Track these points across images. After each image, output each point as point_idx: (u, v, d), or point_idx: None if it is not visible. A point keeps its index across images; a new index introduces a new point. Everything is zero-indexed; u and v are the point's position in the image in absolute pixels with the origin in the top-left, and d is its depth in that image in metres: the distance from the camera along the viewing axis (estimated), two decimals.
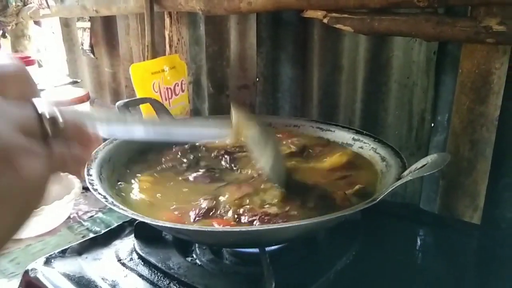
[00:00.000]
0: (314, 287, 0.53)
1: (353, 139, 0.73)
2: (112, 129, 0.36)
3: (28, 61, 1.40)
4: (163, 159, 0.67)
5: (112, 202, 0.48)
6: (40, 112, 0.28)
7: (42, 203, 0.27)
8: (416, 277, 0.60)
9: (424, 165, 0.50)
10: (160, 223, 0.47)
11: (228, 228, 0.49)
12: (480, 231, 0.69)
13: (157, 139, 0.40)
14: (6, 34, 1.66)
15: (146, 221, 0.47)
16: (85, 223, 0.93)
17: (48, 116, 0.28)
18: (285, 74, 1.00)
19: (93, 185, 0.52)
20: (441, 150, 0.78)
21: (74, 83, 1.49)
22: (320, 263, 0.58)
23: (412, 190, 0.84)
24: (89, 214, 0.96)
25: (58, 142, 0.28)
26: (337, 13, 0.74)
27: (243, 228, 0.48)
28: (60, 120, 0.28)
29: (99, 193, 0.50)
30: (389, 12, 0.70)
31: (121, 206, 0.48)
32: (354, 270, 0.58)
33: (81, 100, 1.24)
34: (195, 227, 0.50)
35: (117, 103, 0.72)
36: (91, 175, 0.55)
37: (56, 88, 1.36)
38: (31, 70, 1.44)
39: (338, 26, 0.75)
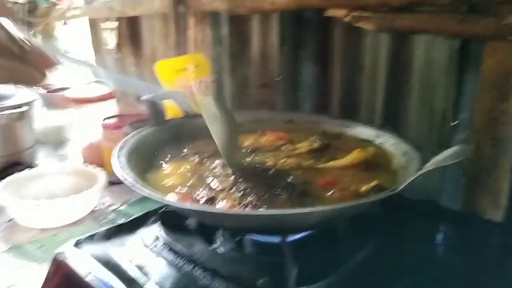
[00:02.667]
0: (334, 277, 0.54)
1: (375, 136, 0.74)
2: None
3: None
4: (186, 149, 0.69)
5: (140, 187, 0.51)
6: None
7: None
8: (436, 273, 0.60)
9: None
10: (179, 204, 0.50)
11: (250, 212, 0.50)
12: (502, 229, 0.69)
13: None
14: (35, 35, 1.72)
15: (169, 203, 0.49)
16: (110, 216, 0.96)
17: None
18: (306, 73, 1.01)
19: (122, 172, 0.54)
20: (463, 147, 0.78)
21: (99, 81, 1.54)
22: (340, 254, 0.59)
23: (434, 188, 0.83)
24: (113, 207, 0.99)
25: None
26: (359, 12, 0.75)
27: (265, 212, 0.50)
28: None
29: (127, 180, 0.52)
30: (410, 10, 0.71)
31: (150, 189, 0.50)
32: (373, 262, 0.58)
33: (105, 98, 1.29)
34: (212, 208, 0.52)
35: (142, 98, 0.75)
36: (120, 163, 0.57)
37: (82, 86, 1.42)
38: (58, 69, 1.49)
39: (359, 24, 0.76)
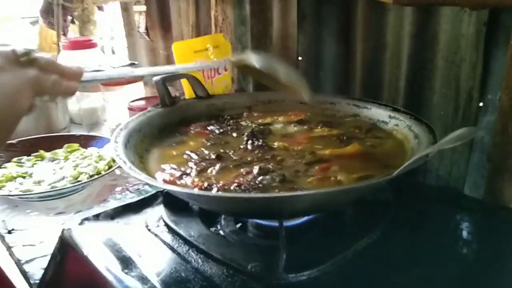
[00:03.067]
0: (329, 264, 0.52)
1: (389, 116, 0.70)
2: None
3: (90, 44, 1.50)
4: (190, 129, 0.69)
5: (130, 166, 0.51)
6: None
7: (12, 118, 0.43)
8: (448, 265, 0.56)
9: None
10: (161, 185, 0.49)
11: (225, 194, 0.49)
12: None
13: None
14: (74, 20, 1.77)
15: (151, 183, 0.49)
16: (131, 194, 0.98)
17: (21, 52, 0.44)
18: (328, 52, 0.97)
19: (116, 151, 0.55)
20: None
21: (132, 65, 1.57)
22: (340, 241, 0.57)
23: (457, 175, 0.78)
24: (136, 187, 1.01)
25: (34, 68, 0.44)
26: None
27: (253, 195, 0.48)
28: (33, 54, 0.43)
29: (120, 158, 0.52)
30: None
31: (136, 170, 0.50)
32: (376, 251, 0.55)
33: (134, 80, 1.31)
34: (199, 191, 0.51)
35: (154, 78, 0.75)
36: (117, 142, 0.58)
37: (114, 69, 1.45)
38: (93, 53, 1.54)
39: None
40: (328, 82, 0.99)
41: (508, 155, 0.64)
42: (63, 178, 0.85)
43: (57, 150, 0.99)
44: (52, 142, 1.02)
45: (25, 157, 0.96)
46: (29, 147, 0.99)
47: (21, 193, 0.82)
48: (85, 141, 1.04)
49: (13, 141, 0.99)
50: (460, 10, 0.71)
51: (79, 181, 0.85)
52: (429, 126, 0.60)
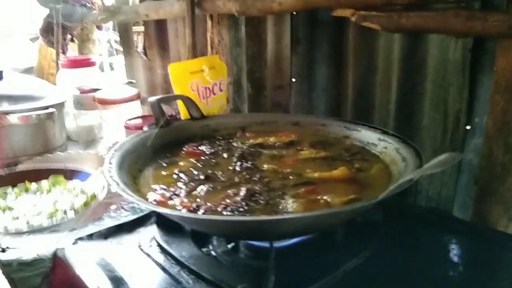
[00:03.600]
0: (318, 285, 0.53)
1: (379, 139, 0.71)
2: None
3: (88, 63, 1.52)
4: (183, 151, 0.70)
5: (123, 188, 0.52)
6: None
7: None
8: (436, 286, 0.57)
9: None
10: (154, 207, 0.50)
11: (212, 217, 0.50)
12: None
13: None
14: (74, 39, 1.81)
15: (142, 205, 0.50)
16: (126, 213, 0.99)
17: None
18: (321, 74, 0.99)
19: (109, 172, 0.56)
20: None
21: (130, 83, 1.59)
22: (330, 262, 0.57)
23: (446, 196, 0.79)
24: (131, 205, 1.02)
25: None
26: (365, 11, 0.72)
27: (240, 218, 0.49)
28: None
29: (113, 180, 0.53)
30: (418, 8, 0.67)
31: (129, 192, 0.51)
32: (365, 272, 0.56)
33: (131, 99, 1.33)
34: (187, 213, 0.52)
35: (149, 99, 0.77)
36: (111, 164, 0.59)
37: (112, 88, 1.47)
38: (92, 71, 1.56)
39: (365, 24, 0.74)
40: (320, 103, 1.01)
41: (494, 178, 0.66)
42: (39, 213, 0.85)
43: (42, 181, 0.98)
44: (38, 174, 1.02)
45: (10, 189, 0.96)
46: (16, 178, 0.99)
47: None
48: (70, 174, 1.04)
49: (2, 173, 1.01)
50: (446, 37, 0.73)
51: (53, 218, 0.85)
52: (416, 149, 0.61)
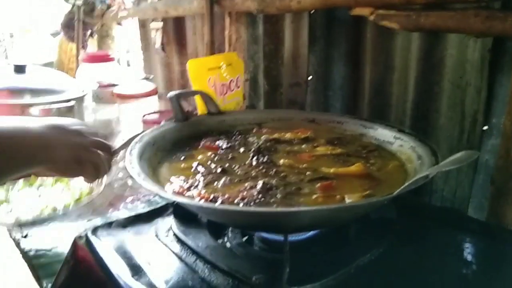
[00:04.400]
0: (332, 278, 0.53)
1: (394, 137, 0.72)
2: None
3: (107, 58, 1.55)
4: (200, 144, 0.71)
5: (144, 178, 0.53)
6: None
7: None
8: (449, 285, 0.57)
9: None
10: (170, 196, 0.52)
11: (228, 207, 0.51)
12: None
13: None
14: (94, 34, 1.84)
15: (162, 195, 0.52)
16: (142, 204, 1.01)
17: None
18: (337, 73, 1.00)
19: (130, 163, 0.57)
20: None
21: (147, 79, 1.62)
22: (344, 256, 0.58)
23: (462, 196, 0.79)
24: (146, 198, 1.04)
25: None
26: (384, 10, 0.73)
27: (258, 209, 0.50)
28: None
29: (134, 170, 0.55)
30: (437, 7, 0.68)
31: (150, 182, 0.53)
32: (377, 268, 0.56)
33: (149, 94, 1.35)
34: (203, 203, 0.53)
35: (169, 94, 0.78)
36: (132, 155, 0.60)
37: (130, 83, 1.49)
38: (110, 66, 1.59)
39: (384, 23, 0.74)
40: (336, 101, 1.01)
41: (510, 179, 0.66)
42: (30, 209, 0.87)
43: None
44: None
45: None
46: None
47: None
48: None
49: None
50: (465, 36, 0.73)
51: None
52: (432, 148, 0.62)
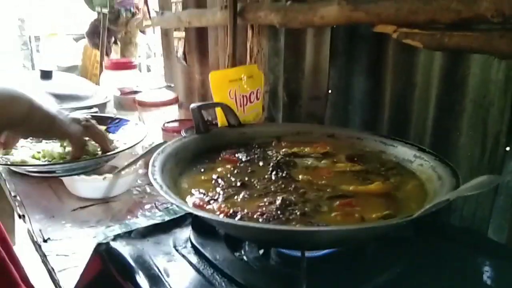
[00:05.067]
0: None
1: (415, 155, 0.71)
2: None
3: (130, 66, 1.58)
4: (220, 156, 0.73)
5: (166, 190, 0.55)
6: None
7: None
8: None
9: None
10: (192, 210, 0.53)
11: (261, 225, 0.52)
12: None
13: None
14: (117, 41, 1.88)
15: (183, 207, 0.53)
16: (160, 212, 1.02)
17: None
18: (358, 88, 1.00)
19: (153, 175, 0.59)
20: None
21: (168, 87, 1.64)
22: (360, 275, 0.58)
23: (481, 217, 0.78)
24: (164, 205, 1.06)
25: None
26: (407, 28, 0.73)
27: (276, 227, 0.51)
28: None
29: (157, 182, 0.56)
30: (461, 28, 0.67)
31: (172, 195, 0.54)
32: (394, 287, 0.57)
33: (170, 103, 1.37)
34: (225, 219, 0.54)
35: (191, 106, 0.79)
36: (155, 166, 0.62)
37: (151, 91, 1.52)
38: (133, 73, 1.62)
39: (407, 41, 0.74)
40: (356, 116, 1.01)
41: None
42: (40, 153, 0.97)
43: None
44: None
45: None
46: None
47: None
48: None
49: None
50: (489, 56, 0.73)
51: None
52: (453, 169, 0.61)
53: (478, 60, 0.76)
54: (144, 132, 1.08)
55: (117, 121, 1.17)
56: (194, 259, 0.62)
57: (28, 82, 1.27)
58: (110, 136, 1.09)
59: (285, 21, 0.95)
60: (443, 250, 0.66)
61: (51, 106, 0.82)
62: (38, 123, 0.78)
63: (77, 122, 0.88)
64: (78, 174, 0.97)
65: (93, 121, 0.92)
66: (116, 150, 1.00)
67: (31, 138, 1.01)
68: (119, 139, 1.08)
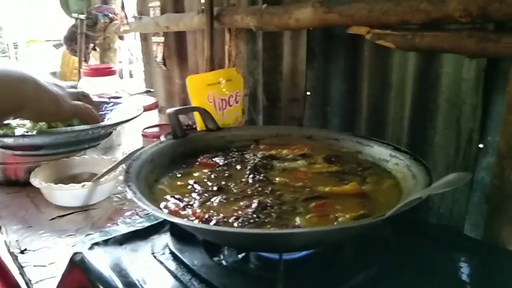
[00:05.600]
0: None
1: (390, 155, 0.72)
2: None
3: (109, 72, 1.57)
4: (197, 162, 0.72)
5: (140, 197, 0.54)
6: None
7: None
8: None
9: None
10: (165, 216, 0.52)
11: (236, 229, 0.52)
12: None
13: None
14: (96, 47, 1.86)
15: (157, 214, 0.52)
16: (140, 219, 1.01)
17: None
18: (335, 88, 1.01)
19: (127, 181, 0.58)
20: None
21: (148, 92, 1.63)
22: (338, 275, 0.58)
23: (458, 213, 0.79)
24: (145, 212, 1.05)
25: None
26: (380, 30, 0.74)
27: (250, 230, 0.51)
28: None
29: (130, 189, 0.56)
30: (432, 28, 0.69)
31: (146, 202, 0.53)
32: (372, 287, 0.57)
33: (149, 108, 1.36)
34: (199, 224, 0.54)
35: (167, 110, 0.79)
36: (129, 173, 0.61)
37: (131, 96, 1.51)
38: (112, 80, 1.60)
39: (380, 42, 0.75)
40: (334, 117, 1.02)
41: (505, 198, 0.66)
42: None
43: None
44: None
45: None
46: None
47: None
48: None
49: None
50: (460, 56, 0.74)
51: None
52: (427, 167, 0.62)
53: (450, 59, 0.77)
54: (139, 109, 1.06)
55: (111, 104, 1.16)
56: (172, 265, 0.62)
57: None
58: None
59: (261, 24, 0.96)
60: (420, 248, 0.66)
61: (52, 85, 0.77)
62: (46, 103, 0.72)
63: (76, 96, 0.84)
64: (66, 152, 0.97)
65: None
66: (114, 121, 0.99)
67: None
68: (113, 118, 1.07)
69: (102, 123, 0.97)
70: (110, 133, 1.06)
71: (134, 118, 1.03)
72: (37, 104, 0.72)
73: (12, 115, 0.75)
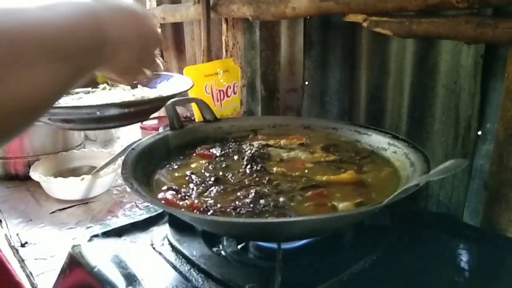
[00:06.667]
0: (324, 286, 0.54)
1: (388, 143, 0.72)
2: None
3: None
4: (195, 153, 0.72)
5: (136, 188, 0.54)
6: None
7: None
8: None
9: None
10: (162, 206, 0.52)
11: (231, 219, 0.51)
12: None
13: None
14: None
15: (155, 205, 0.52)
16: (140, 211, 1.01)
17: None
18: (334, 78, 1.00)
19: (124, 173, 0.58)
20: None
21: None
22: (336, 264, 0.58)
23: (457, 201, 0.79)
24: (145, 204, 1.05)
25: None
26: (377, 17, 0.73)
27: (247, 220, 0.51)
28: None
29: (128, 180, 0.56)
30: (429, 14, 0.68)
31: (142, 192, 0.53)
32: (371, 275, 0.57)
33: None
34: (196, 214, 0.54)
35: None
36: (126, 164, 0.61)
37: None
38: None
39: (377, 29, 0.74)
40: (333, 107, 1.02)
41: (503, 184, 0.66)
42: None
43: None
44: None
45: None
46: None
47: None
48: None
49: None
50: (458, 42, 0.73)
51: None
52: (424, 154, 0.62)
53: (448, 46, 0.76)
54: (189, 84, 0.96)
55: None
56: (171, 256, 0.62)
57: None
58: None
59: (258, 14, 0.95)
60: (419, 236, 0.66)
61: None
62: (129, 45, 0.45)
63: None
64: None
65: None
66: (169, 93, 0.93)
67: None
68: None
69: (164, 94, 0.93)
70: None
71: (187, 90, 0.96)
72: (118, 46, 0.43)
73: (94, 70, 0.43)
